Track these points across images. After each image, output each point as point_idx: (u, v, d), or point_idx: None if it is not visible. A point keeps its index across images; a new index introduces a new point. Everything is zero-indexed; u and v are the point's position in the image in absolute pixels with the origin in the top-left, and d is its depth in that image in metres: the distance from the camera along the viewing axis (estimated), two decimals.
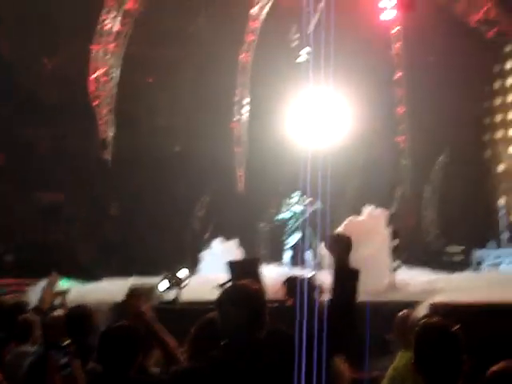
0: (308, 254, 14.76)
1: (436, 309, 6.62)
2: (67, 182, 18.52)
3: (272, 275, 10.92)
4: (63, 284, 11.70)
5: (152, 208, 18.44)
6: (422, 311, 6.38)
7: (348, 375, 3.82)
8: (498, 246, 15.60)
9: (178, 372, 3.17)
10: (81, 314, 4.75)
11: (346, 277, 3.15)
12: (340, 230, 12.30)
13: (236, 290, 3.26)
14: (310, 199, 14.81)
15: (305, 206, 14.90)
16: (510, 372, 2.79)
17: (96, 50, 19.60)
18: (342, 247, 3.16)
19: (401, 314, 5.66)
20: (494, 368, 2.83)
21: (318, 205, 14.26)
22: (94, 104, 19.66)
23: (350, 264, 3.17)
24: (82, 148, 19.29)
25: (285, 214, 15.11)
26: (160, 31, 19.90)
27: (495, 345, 5.75)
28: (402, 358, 5.29)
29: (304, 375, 2.87)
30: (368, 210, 12.57)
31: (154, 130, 20.89)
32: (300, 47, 18.74)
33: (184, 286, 10.93)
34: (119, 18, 19.52)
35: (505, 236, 15.51)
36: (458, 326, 3.21)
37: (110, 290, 12.40)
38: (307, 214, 14.81)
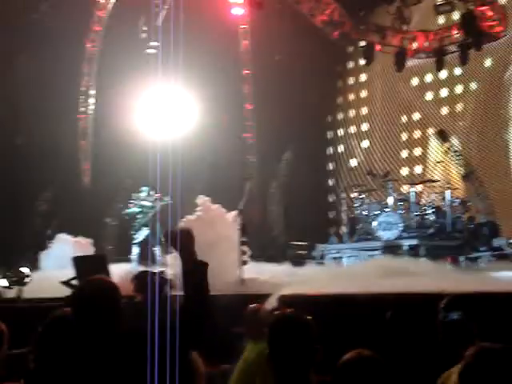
0: (157, 250, 14.62)
1: (284, 301, 6.73)
2: None
3: (119, 271, 10.70)
4: None
5: None
6: (271, 304, 6.47)
7: (203, 370, 3.77)
8: (340, 240, 16.22)
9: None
10: None
11: (194, 270, 3.08)
12: (181, 224, 12.30)
13: (94, 286, 3.15)
14: (159, 194, 14.69)
15: (153, 201, 14.73)
16: (359, 360, 2.86)
17: None
18: (183, 241, 3.09)
19: (250, 306, 5.69)
20: (345, 357, 2.89)
21: (168, 200, 14.15)
22: None
23: (196, 257, 3.10)
24: None
25: (133, 209, 14.86)
26: None
27: (341, 334, 5.93)
28: (252, 351, 5.32)
29: (158, 371, 2.81)
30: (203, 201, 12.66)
31: None
32: (148, 39, 18.50)
33: (26, 284, 10.51)
34: None
35: (345, 231, 16.14)
36: (309, 317, 3.25)
37: None
38: (156, 209, 14.66)
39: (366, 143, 21.38)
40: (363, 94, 21.98)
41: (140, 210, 14.81)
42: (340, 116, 22.18)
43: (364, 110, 21.86)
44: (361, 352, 2.91)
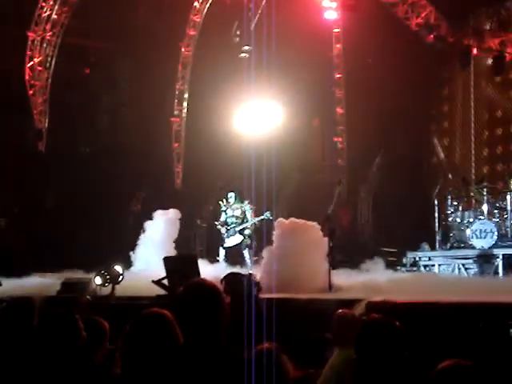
0: (246, 253, 14.77)
1: (373, 307, 6.64)
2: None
3: (208, 272, 10.84)
4: None
5: (87, 202, 18.07)
6: (359, 310, 6.40)
7: (292, 373, 3.76)
8: (432, 248, 15.84)
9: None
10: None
11: None
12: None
13: (199, 288, 3.16)
14: (253, 206, 14.87)
15: (247, 209, 14.94)
16: (456, 370, 2.76)
17: (32, 38, 19.07)
18: None
19: (338, 312, 5.63)
20: (441, 365, 2.79)
21: (268, 215, 14.32)
22: (29, 93, 19.14)
23: None
24: (16, 139, 18.76)
25: (227, 216, 15.08)
26: (98, 22, 19.54)
27: (432, 343, 5.80)
28: (338, 357, 5.27)
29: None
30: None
31: (92, 123, 20.54)
32: (242, 43, 18.69)
33: (119, 282, 10.80)
34: (57, 7, 19.03)
35: (438, 238, 15.75)
36: (399, 323, 3.19)
37: (43, 283, 12.15)
38: (252, 220, 14.85)
39: (445, 141, 20.87)
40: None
41: (233, 216, 15.01)
42: (434, 125, 21.67)
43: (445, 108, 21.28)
44: (459, 361, 2.81)
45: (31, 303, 4.52)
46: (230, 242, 15.08)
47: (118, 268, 11.06)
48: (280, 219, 12.47)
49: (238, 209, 15.11)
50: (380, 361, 2.99)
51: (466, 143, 20.24)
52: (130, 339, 3.31)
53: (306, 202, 18.06)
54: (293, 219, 12.59)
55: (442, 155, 20.61)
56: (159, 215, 16.08)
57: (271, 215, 14.27)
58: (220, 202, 15.31)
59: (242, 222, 15.05)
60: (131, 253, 15.49)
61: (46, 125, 19.38)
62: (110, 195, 18.38)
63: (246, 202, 15.09)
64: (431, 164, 21.19)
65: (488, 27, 18.46)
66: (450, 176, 19.38)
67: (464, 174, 17.79)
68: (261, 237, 14.56)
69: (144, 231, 15.88)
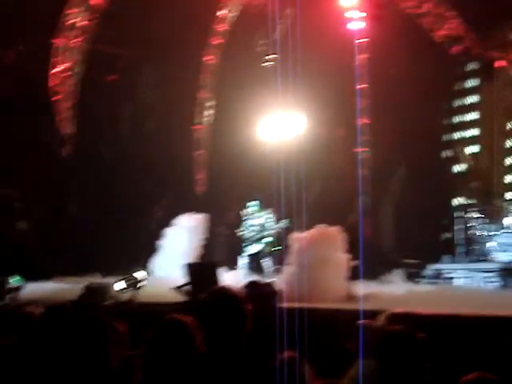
0: (266, 262, 14.80)
1: (395, 318, 6.59)
2: (23, 177, 18.13)
3: (228, 280, 10.87)
4: (15, 281, 11.50)
5: (110, 208, 18.18)
6: (381, 320, 6.35)
7: (313, 382, 3.75)
8: (453, 260, 15.75)
9: None
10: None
11: None
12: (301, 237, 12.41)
13: (223, 295, 3.19)
14: (274, 213, 14.92)
15: (268, 218, 14.98)
16: (482, 382, 2.74)
17: (58, 44, 19.27)
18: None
19: (360, 322, 5.60)
20: (465, 378, 2.77)
21: (285, 223, 14.38)
22: (55, 99, 19.33)
23: None
24: (42, 144, 18.93)
25: (249, 225, 15.13)
26: (125, 29, 19.70)
27: (454, 356, 5.75)
28: (358, 367, 5.24)
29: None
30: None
31: (116, 129, 20.68)
32: (266, 52, 18.74)
33: (140, 287, 10.84)
34: (84, 14, 19.24)
35: (460, 250, 15.64)
36: (422, 335, 3.17)
37: (64, 288, 12.23)
38: (273, 229, 14.90)
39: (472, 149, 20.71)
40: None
41: (254, 225, 15.05)
42: (456, 136, 21.54)
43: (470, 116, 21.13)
44: (483, 374, 2.79)
45: (66, 309, 4.59)
46: (251, 250, 15.12)
47: (140, 274, 11.11)
48: (296, 234, 12.47)
49: (259, 217, 15.16)
50: (402, 372, 2.98)
51: (490, 152, 20.10)
52: (152, 345, 3.32)
53: (327, 212, 17.99)
54: (315, 228, 12.61)
55: (466, 164, 20.44)
56: (181, 221, 16.17)
57: (289, 223, 14.30)
58: (242, 211, 15.36)
59: (263, 231, 15.09)
60: (151, 259, 15.58)
61: (71, 130, 19.55)
62: (134, 201, 18.49)
63: (268, 210, 15.13)
64: (454, 173, 21.05)
65: None
66: (473, 185, 19.26)
67: (487, 184, 17.66)
68: (281, 246, 14.56)
69: (164, 237, 15.96)
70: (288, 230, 14.62)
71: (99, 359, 3.65)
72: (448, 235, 16.14)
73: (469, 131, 20.99)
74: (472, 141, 20.76)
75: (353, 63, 21.05)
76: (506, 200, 14.97)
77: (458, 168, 20.89)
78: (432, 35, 18.32)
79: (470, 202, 15.83)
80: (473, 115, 20.93)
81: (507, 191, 17.97)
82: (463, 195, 15.96)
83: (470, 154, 20.39)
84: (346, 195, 21.04)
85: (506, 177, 19.46)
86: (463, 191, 16.51)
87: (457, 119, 21.37)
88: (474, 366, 2.97)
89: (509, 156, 19.49)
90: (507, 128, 19.65)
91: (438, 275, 14.99)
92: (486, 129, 20.25)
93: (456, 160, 20.78)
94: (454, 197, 16.43)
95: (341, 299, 10.80)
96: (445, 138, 21.57)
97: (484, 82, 19.54)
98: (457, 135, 21.34)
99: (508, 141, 19.63)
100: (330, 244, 12.15)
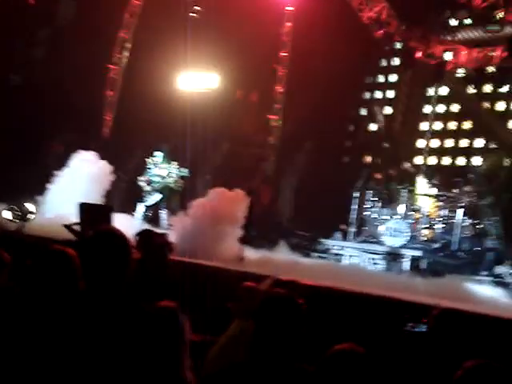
0: (163, 213, 14.73)
1: (279, 285, 6.72)
2: None
3: (122, 226, 10.73)
4: None
5: (9, 134, 17.53)
6: (265, 285, 6.46)
7: (189, 335, 3.76)
8: (344, 238, 16.15)
9: None
10: None
11: None
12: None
13: (110, 235, 3.13)
14: (177, 164, 14.84)
15: (172, 170, 14.86)
16: (349, 353, 2.82)
17: None
18: None
19: (244, 284, 5.68)
20: (338, 347, 2.83)
21: (185, 172, 14.35)
22: None
23: None
24: None
25: (151, 174, 14.95)
26: None
27: (328, 328, 5.93)
28: (237, 327, 5.32)
29: None
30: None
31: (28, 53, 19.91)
32: (192, 3, 18.40)
33: (29, 220, 10.58)
34: None
35: (352, 229, 16.05)
36: (302, 301, 3.22)
37: None
38: (174, 178, 14.81)
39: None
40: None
41: (156, 175, 14.90)
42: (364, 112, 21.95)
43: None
44: (354, 346, 2.86)
45: None
46: (150, 200, 14.99)
47: (30, 206, 10.83)
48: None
49: (164, 168, 15.01)
50: (277, 334, 3.02)
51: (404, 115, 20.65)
52: (32, 272, 3.25)
53: (231, 174, 18.06)
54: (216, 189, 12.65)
55: (380, 123, 20.78)
56: (80, 160, 15.73)
57: (189, 173, 14.33)
58: (147, 159, 15.17)
59: (164, 182, 14.97)
60: (43, 194, 15.18)
61: None
62: (34, 131, 17.90)
63: (175, 163, 15.02)
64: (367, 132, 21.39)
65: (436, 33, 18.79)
66: (385, 145, 19.75)
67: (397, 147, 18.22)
68: (181, 199, 14.54)
69: (60, 173, 15.52)
70: (187, 181, 14.60)
71: None
72: (344, 213, 16.49)
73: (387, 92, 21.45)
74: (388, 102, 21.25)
75: (278, 30, 21.06)
76: (414, 165, 15.43)
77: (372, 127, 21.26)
78: (359, 16, 18.51)
79: (370, 184, 16.18)
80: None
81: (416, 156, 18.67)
82: (365, 177, 16.28)
83: (384, 115, 20.83)
84: (251, 160, 21.20)
85: (418, 141, 20.05)
86: (365, 172, 16.82)
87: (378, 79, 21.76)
88: (347, 338, 3.05)
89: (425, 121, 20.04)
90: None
91: (327, 250, 15.36)
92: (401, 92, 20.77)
93: (371, 119, 21.15)
94: (356, 176, 16.69)
95: (230, 259, 10.92)
96: (352, 113, 21.91)
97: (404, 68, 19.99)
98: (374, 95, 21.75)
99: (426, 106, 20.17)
100: (230, 204, 12.22)
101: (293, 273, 8.27)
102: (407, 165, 16.41)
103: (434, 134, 19.77)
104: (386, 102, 21.41)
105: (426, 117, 20.07)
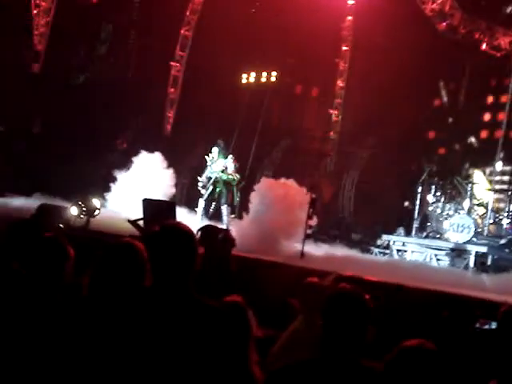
0: (224, 209, 14.76)
1: (343, 281, 6.67)
2: None
3: (184, 221, 10.82)
4: None
5: (73, 132, 17.87)
6: (329, 281, 6.42)
7: (255, 329, 3.77)
8: (407, 233, 15.93)
9: None
10: None
11: None
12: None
13: (176, 230, 3.14)
14: (235, 160, 14.89)
15: (228, 165, 14.89)
16: (420, 350, 2.77)
17: None
18: None
19: (308, 279, 5.66)
20: (408, 343, 2.79)
21: (238, 177, 14.45)
22: (33, 13, 18.71)
23: None
24: (12, 58, 18.38)
25: (210, 171, 15.02)
26: None
27: (393, 324, 5.86)
28: (301, 323, 5.31)
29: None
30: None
31: (91, 51, 20.24)
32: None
33: (95, 215, 10.77)
34: None
35: (415, 225, 15.80)
36: (368, 296, 3.19)
37: (17, 205, 12.09)
38: (233, 175, 14.85)
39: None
40: None
41: (216, 171, 14.95)
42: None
43: None
44: (424, 342, 2.81)
45: (28, 225, 4.51)
46: (206, 194, 15.06)
47: (96, 202, 11.02)
48: (263, 178, 12.51)
49: (219, 164, 15.02)
50: (344, 330, 2.99)
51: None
52: (102, 264, 3.29)
53: (292, 169, 17.99)
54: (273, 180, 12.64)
55: (445, 99, 20.33)
56: (144, 158, 16.04)
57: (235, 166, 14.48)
58: (206, 157, 15.24)
59: (222, 177, 14.98)
60: (108, 190, 15.48)
61: (44, 48, 19.03)
62: (98, 128, 18.22)
63: (230, 157, 15.04)
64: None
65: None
66: (450, 120, 19.32)
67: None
68: (244, 195, 14.56)
69: (125, 171, 15.84)
70: (247, 177, 14.60)
71: (55, 277, 3.62)
72: (407, 209, 16.26)
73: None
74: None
75: (339, 25, 20.89)
76: (468, 183, 15.05)
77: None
78: (422, 8, 18.16)
79: (433, 179, 15.84)
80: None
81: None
82: (428, 171, 15.92)
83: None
84: (311, 156, 21.11)
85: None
86: (429, 168, 16.44)
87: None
88: (415, 335, 3.00)
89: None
90: None
91: (389, 246, 15.15)
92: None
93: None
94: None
95: (293, 255, 10.90)
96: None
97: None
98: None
99: None
100: (294, 200, 12.20)
101: (355, 269, 8.19)
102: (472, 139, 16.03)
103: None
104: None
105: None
